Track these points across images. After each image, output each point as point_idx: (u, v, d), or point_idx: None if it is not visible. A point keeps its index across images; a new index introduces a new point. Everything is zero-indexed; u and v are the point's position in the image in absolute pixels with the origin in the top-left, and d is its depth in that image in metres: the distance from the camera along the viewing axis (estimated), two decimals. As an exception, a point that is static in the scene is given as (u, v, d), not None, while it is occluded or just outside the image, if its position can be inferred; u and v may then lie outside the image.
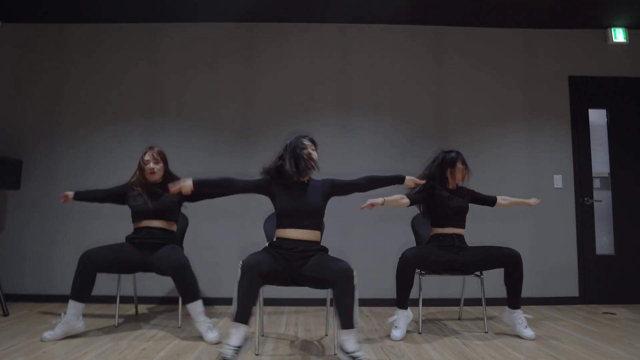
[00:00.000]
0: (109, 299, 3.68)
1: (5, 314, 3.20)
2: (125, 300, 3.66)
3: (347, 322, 2.10)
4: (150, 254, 2.76)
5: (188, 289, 2.62)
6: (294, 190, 2.43)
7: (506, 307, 2.85)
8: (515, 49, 4.08)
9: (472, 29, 4.09)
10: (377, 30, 4.07)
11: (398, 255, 2.83)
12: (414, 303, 2.92)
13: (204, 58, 4.01)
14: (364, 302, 3.63)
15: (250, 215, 3.83)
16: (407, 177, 2.62)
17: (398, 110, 4.00)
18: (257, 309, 2.46)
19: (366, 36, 4.06)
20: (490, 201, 3.02)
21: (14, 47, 3.99)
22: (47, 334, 2.57)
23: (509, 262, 2.75)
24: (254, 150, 3.92)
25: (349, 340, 2.10)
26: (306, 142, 2.46)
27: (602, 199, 3.98)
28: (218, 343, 2.57)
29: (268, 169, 2.50)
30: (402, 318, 2.79)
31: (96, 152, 3.90)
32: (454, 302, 3.77)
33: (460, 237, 2.92)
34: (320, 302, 3.73)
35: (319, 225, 2.45)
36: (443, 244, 2.86)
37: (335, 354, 2.41)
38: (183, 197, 2.85)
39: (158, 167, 2.87)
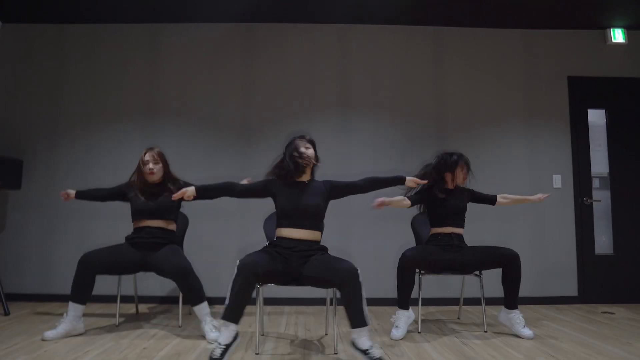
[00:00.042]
0: (110, 299, 3.69)
1: (6, 314, 3.20)
2: (126, 299, 3.67)
3: (358, 321, 2.12)
4: (150, 254, 2.77)
5: (192, 293, 2.64)
6: (294, 190, 2.44)
7: (503, 308, 2.86)
8: (515, 50, 4.10)
9: (471, 29, 4.10)
10: (377, 30, 4.08)
11: (398, 255, 2.84)
12: (414, 302, 2.93)
13: (204, 58, 4.02)
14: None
15: (250, 215, 3.84)
16: (407, 178, 2.61)
17: (398, 110, 4.01)
18: (257, 309, 2.48)
19: (366, 36, 4.07)
20: (491, 200, 3.02)
21: (14, 48, 4.00)
22: (49, 333, 2.58)
23: (507, 262, 2.76)
24: (254, 150, 3.93)
25: (362, 338, 2.12)
26: (298, 141, 2.49)
27: (601, 199, 3.99)
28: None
29: (272, 169, 2.54)
30: (403, 318, 2.80)
31: (96, 152, 3.91)
32: (454, 301, 3.78)
33: (459, 237, 2.93)
34: (320, 302, 3.74)
35: (318, 226, 2.46)
36: (442, 244, 2.87)
37: (335, 353, 2.42)
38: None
39: (157, 168, 2.88)
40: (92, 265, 2.65)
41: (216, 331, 2.63)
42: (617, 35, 4.04)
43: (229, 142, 3.94)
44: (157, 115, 3.95)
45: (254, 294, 2.45)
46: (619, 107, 4.07)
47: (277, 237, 2.44)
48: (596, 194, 4.00)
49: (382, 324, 3.13)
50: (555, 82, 4.06)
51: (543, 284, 3.86)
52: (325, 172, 2.67)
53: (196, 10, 3.81)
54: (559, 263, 3.89)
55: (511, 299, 2.80)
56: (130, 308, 3.53)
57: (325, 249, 2.45)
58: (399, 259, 2.80)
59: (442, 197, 2.90)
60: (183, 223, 3.27)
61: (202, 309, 2.66)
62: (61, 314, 3.23)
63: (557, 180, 3.96)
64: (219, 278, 3.75)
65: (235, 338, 2.14)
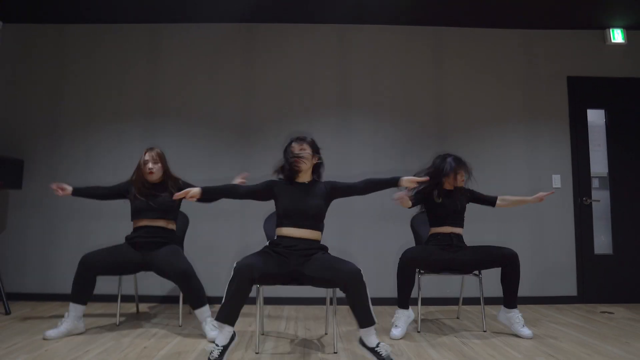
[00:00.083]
0: (110, 298, 3.70)
1: (7, 313, 3.21)
2: (126, 299, 3.68)
3: (366, 321, 2.17)
4: (150, 254, 2.77)
5: (194, 295, 2.65)
6: (295, 191, 2.46)
7: (502, 307, 2.87)
8: (514, 50, 4.10)
9: (471, 29, 4.11)
10: (377, 30, 4.08)
11: (398, 255, 2.86)
12: (413, 302, 2.93)
13: (204, 58, 4.03)
14: (364, 301, 3.64)
15: (250, 215, 3.85)
16: (404, 178, 2.47)
17: (398, 111, 4.02)
18: (257, 308, 2.49)
19: (366, 37, 4.08)
20: (490, 202, 3.02)
21: (15, 48, 4.01)
22: (51, 332, 2.59)
23: (506, 261, 2.77)
24: (254, 150, 3.94)
25: (370, 337, 2.18)
26: (294, 143, 2.50)
27: (600, 199, 4.00)
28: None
29: (275, 171, 2.57)
30: (403, 317, 2.81)
31: (96, 152, 3.92)
32: (453, 301, 3.79)
33: (459, 237, 2.94)
34: (320, 301, 3.75)
35: (319, 226, 2.47)
36: (442, 244, 2.88)
37: (335, 352, 2.43)
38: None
39: (157, 167, 2.89)
40: (92, 267, 2.66)
41: (216, 330, 2.64)
42: (617, 36, 4.05)
43: (229, 142, 3.95)
44: (157, 115, 3.96)
45: (254, 294, 2.46)
46: (618, 107, 4.07)
47: (277, 237, 2.45)
48: (595, 194, 4.01)
49: (382, 323, 3.14)
50: (555, 82, 4.07)
51: (542, 283, 3.87)
52: (325, 172, 2.67)
53: (196, 10, 3.81)
54: (559, 263, 3.90)
55: (510, 298, 2.81)
56: (131, 307, 3.54)
57: (325, 248, 2.46)
58: (399, 258, 2.81)
59: (438, 201, 2.91)
60: (183, 223, 3.28)
61: (203, 312, 2.68)
62: (62, 314, 3.25)
63: (556, 180, 3.97)
64: (219, 278, 3.76)
65: (232, 339, 2.16)
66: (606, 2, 3.66)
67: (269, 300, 3.73)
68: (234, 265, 2.18)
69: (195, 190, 2.41)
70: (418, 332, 2.88)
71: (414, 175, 2.91)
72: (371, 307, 2.19)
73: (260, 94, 4.01)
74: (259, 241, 3.81)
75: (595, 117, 4.11)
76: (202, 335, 2.73)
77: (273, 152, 3.89)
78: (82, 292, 2.65)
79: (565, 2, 3.64)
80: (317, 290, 3.52)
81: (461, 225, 2.97)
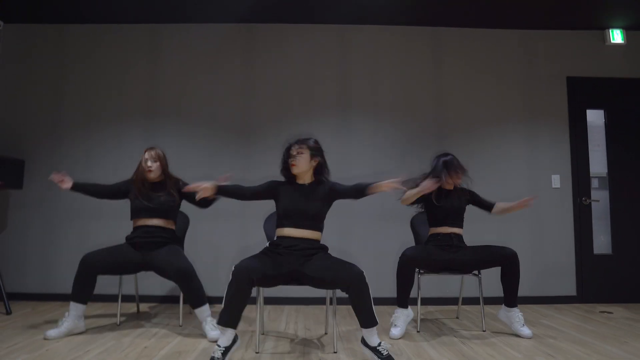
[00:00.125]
0: (111, 298, 3.71)
1: (8, 313, 3.22)
2: (127, 299, 3.69)
3: (369, 322, 2.20)
4: (150, 254, 2.78)
5: (194, 295, 2.67)
6: (295, 192, 2.47)
7: (503, 306, 2.88)
8: (514, 50, 4.11)
9: (471, 30, 4.12)
10: (377, 31, 4.09)
11: (398, 255, 2.86)
12: (413, 302, 2.94)
13: (204, 59, 4.03)
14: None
15: (250, 216, 3.86)
16: (383, 184, 2.33)
17: (398, 111, 4.03)
18: (257, 308, 2.49)
19: (366, 37, 4.08)
20: (488, 207, 2.98)
21: (16, 48, 4.01)
22: (51, 332, 2.60)
23: (505, 261, 2.77)
24: (254, 150, 3.94)
25: (372, 336, 2.22)
26: (293, 146, 2.50)
27: (599, 199, 4.01)
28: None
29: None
30: (402, 317, 2.82)
31: (97, 152, 3.92)
32: (452, 301, 3.80)
33: (459, 237, 2.95)
34: (320, 301, 3.75)
35: (318, 227, 2.47)
36: (442, 244, 2.89)
37: (335, 352, 2.44)
38: (192, 200, 2.88)
39: (155, 166, 2.90)
40: (93, 266, 2.67)
41: (216, 330, 2.65)
42: (616, 36, 4.06)
43: (229, 142, 3.95)
44: (157, 115, 3.97)
45: (255, 294, 2.47)
46: (617, 107, 4.08)
47: (277, 237, 2.46)
48: (595, 194, 4.02)
49: (381, 323, 3.14)
50: (554, 82, 4.08)
51: (542, 283, 3.88)
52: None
53: (196, 10, 3.82)
54: (558, 263, 3.91)
55: (511, 298, 2.82)
56: (131, 307, 3.55)
57: (325, 248, 2.46)
58: (399, 257, 2.82)
59: (436, 204, 2.92)
60: (183, 223, 3.29)
61: (203, 311, 2.69)
62: (62, 314, 3.25)
63: (555, 180, 3.98)
64: (219, 278, 3.77)
65: (234, 341, 2.18)
66: (605, 3, 3.67)
67: (269, 300, 3.74)
68: (232, 268, 2.20)
69: (209, 185, 2.39)
70: (418, 331, 2.89)
71: (419, 179, 2.88)
72: (373, 308, 2.22)
73: (260, 94, 4.01)
74: (259, 241, 3.81)
75: (595, 117, 4.12)
76: (203, 335, 2.73)
77: (273, 152, 3.89)
78: (83, 291, 2.66)
79: (565, 2, 3.65)
80: (317, 290, 3.53)
81: (460, 226, 2.97)
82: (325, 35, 4.08)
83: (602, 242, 4.01)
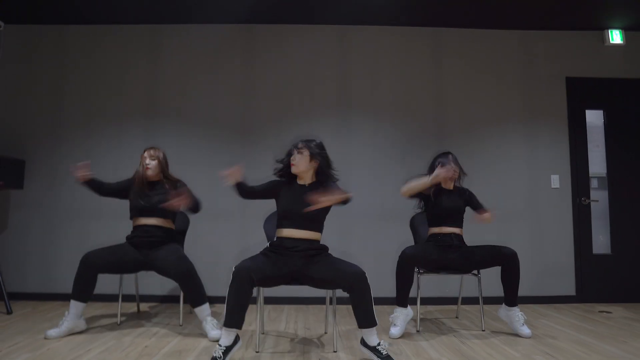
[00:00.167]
0: (111, 298, 3.71)
1: (9, 312, 3.23)
2: (127, 298, 3.69)
3: (368, 322, 2.22)
4: (150, 253, 2.79)
5: (195, 294, 2.68)
6: (295, 192, 2.47)
7: (503, 304, 2.89)
8: (513, 50, 4.12)
9: (470, 30, 4.13)
10: (377, 31, 4.10)
11: (397, 255, 2.86)
12: (412, 302, 2.95)
13: (204, 59, 4.04)
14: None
15: (250, 216, 3.87)
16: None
17: (398, 111, 4.03)
18: (258, 307, 2.50)
19: (366, 37, 4.09)
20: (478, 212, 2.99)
21: (16, 48, 4.02)
22: (52, 331, 2.60)
23: (505, 260, 2.78)
24: (254, 150, 3.95)
25: (372, 336, 2.24)
26: (294, 147, 2.51)
27: (598, 199, 4.02)
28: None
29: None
30: (401, 316, 2.82)
31: (97, 152, 3.93)
32: (452, 300, 3.81)
33: (459, 237, 2.95)
34: (320, 301, 3.76)
35: (318, 227, 2.48)
36: (442, 244, 2.90)
37: (335, 351, 2.45)
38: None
39: (153, 164, 2.92)
40: (93, 265, 2.67)
41: (217, 329, 2.65)
42: (615, 37, 4.06)
43: (229, 142, 3.96)
44: (157, 115, 3.98)
45: (255, 293, 2.47)
46: (616, 107, 4.09)
47: (277, 237, 2.46)
48: (594, 194, 4.03)
49: (381, 322, 3.15)
50: (554, 82, 4.09)
51: (541, 283, 3.89)
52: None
53: (196, 11, 3.83)
54: (557, 262, 3.91)
55: (511, 297, 2.83)
56: (132, 307, 3.55)
57: (326, 249, 2.47)
58: (399, 256, 2.82)
59: (433, 200, 2.93)
60: (183, 223, 3.29)
61: (203, 310, 2.69)
62: (63, 313, 3.26)
63: (555, 181, 3.98)
64: (219, 278, 3.78)
65: (236, 341, 2.19)
66: (605, 3, 3.68)
67: (269, 300, 3.75)
68: (233, 269, 2.20)
69: (238, 171, 2.37)
70: (417, 331, 2.90)
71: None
72: (374, 308, 2.23)
73: (260, 94, 4.02)
74: (259, 241, 3.81)
75: (594, 118, 4.13)
76: (203, 334, 2.74)
77: (273, 152, 3.88)
78: (83, 290, 2.66)
79: (565, 3, 3.66)
80: (317, 290, 3.53)
81: (460, 226, 2.98)
82: (325, 36, 4.08)
83: (601, 242, 4.02)
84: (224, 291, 2.20)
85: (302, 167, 2.47)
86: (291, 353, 2.43)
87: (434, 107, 4.05)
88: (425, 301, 3.79)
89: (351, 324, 3.11)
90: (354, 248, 3.86)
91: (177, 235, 3.09)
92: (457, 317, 3.34)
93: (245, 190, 2.48)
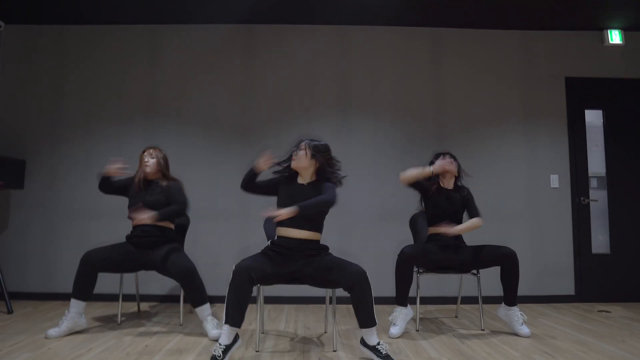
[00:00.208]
0: (112, 297, 3.72)
1: (9, 312, 3.23)
2: (128, 298, 3.70)
3: (368, 322, 2.23)
4: (150, 253, 2.80)
5: (196, 294, 2.69)
6: (294, 191, 2.48)
7: (502, 304, 2.89)
8: (513, 50, 4.12)
9: (470, 30, 4.13)
10: (377, 31, 4.10)
11: (397, 254, 2.87)
12: (412, 301, 2.96)
13: (204, 59, 4.04)
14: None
15: (250, 215, 3.87)
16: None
17: (398, 111, 4.04)
18: (258, 307, 2.51)
19: (366, 38, 4.10)
20: (471, 216, 2.98)
21: (16, 48, 4.02)
22: (52, 331, 2.61)
23: (504, 260, 2.79)
24: (254, 150, 3.95)
25: (372, 336, 2.25)
26: (295, 151, 2.53)
27: (598, 199, 4.02)
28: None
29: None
30: (401, 315, 2.83)
31: (97, 152, 3.93)
32: (452, 300, 3.82)
33: (458, 236, 2.96)
34: (320, 300, 3.77)
35: (317, 227, 2.48)
36: (441, 243, 2.90)
37: (334, 350, 2.45)
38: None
39: (152, 162, 2.94)
40: (94, 264, 2.68)
41: (217, 329, 2.66)
42: (614, 37, 4.07)
43: (229, 142, 3.97)
44: (157, 115, 3.98)
45: (255, 293, 2.48)
46: (616, 107, 4.10)
47: (277, 237, 2.47)
48: (593, 194, 4.03)
49: (380, 322, 3.16)
50: (553, 82, 4.09)
51: (541, 282, 3.90)
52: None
53: (196, 11, 3.83)
54: (557, 262, 3.92)
55: (510, 297, 2.84)
56: (132, 306, 3.56)
57: (326, 248, 2.48)
58: (398, 255, 2.82)
59: (437, 198, 2.94)
60: (185, 222, 3.30)
61: (204, 310, 2.70)
62: (63, 313, 3.26)
63: (554, 180, 3.99)
64: (218, 278, 3.78)
65: (235, 340, 2.19)
66: (604, 4, 3.68)
67: (269, 300, 3.75)
68: (233, 268, 2.21)
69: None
70: (417, 330, 2.91)
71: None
72: (374, 308, 2.24)
73: (260, 94, 4.03)
74: (259, 241, 3.82)
75: (593, 118, 4.13)
76: (203, 334, 2.75)
77: (273, 152, 3.89)
78: (84, 288, 2.67)
79: (564, 3, 3.67)
80: (316, 289, 3.54)
81: (459, 225, 2.99)
82: (325, 36, 4.09)
83: (600, 242, 4.03)
84: (224, 291, 2.20)
85: (302, 163, 2.47)
86: (291, 352, 2.43)
87: (433, 107, 4.05)
88: (425, 301, 3.79)
89: (351, 324, 3.12)
90: (354, 248, 3.86)
91: (177, 235, 3.09)
92: (456, 317, 3.35)
93: (253, 181, 2.52)
